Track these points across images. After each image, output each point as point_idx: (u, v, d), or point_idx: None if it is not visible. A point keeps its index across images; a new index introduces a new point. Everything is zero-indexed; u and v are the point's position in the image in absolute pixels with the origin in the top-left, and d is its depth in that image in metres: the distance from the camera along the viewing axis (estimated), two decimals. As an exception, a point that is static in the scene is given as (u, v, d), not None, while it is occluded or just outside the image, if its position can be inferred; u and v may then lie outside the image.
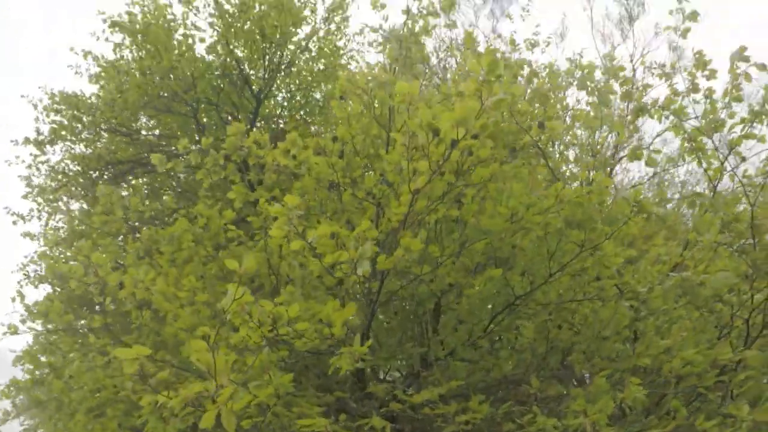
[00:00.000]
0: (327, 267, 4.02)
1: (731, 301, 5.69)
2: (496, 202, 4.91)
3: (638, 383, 4.36)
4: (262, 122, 10.91)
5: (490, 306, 6.20)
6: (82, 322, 7.08)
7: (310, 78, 10.39)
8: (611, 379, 4.74)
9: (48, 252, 9.86)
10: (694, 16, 6.04)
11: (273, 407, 3.80)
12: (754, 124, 5.77)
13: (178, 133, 10.57)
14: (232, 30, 9.70)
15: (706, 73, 6.04)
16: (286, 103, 10.70)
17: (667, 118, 5.93)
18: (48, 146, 10.43)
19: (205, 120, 10.44)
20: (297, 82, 10.63)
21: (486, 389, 6.09)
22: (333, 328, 3.90)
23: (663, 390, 5.03)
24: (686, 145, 5.57)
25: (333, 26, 10.43)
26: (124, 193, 10.11)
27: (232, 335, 3.59)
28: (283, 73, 10.39)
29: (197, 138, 10.35)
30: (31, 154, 10.63)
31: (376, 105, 5.37)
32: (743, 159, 5.90)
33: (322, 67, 10.52)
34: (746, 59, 5.33)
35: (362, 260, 3.88)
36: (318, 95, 10.91)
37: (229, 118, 10.66)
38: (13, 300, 7.09)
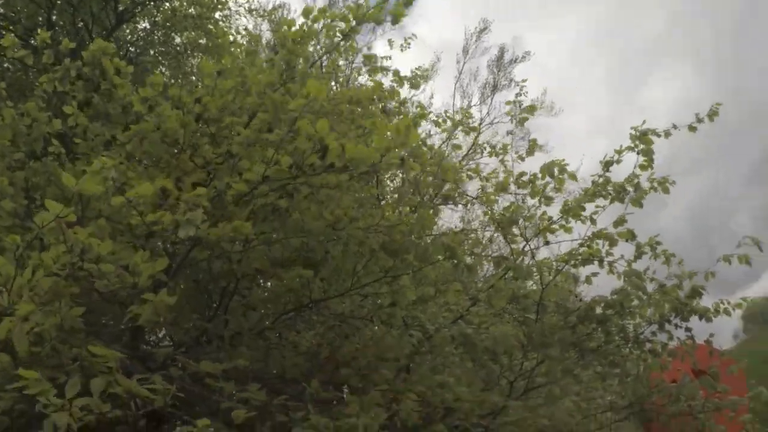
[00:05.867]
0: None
1: (501, 362, 6.41)
2: (323, 207, 5.08)
3: (413, 401, 4.81)
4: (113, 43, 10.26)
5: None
6: None
7: (176, 19, 9.91)
8: (385, 395, 5.09)
9: None
10: (531, 109, 6.77)
11: (51, 340, 3.64)
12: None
13: (22, 20, 9.61)
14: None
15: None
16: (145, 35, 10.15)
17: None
18: None
19: (55, 18, 9.61)
20: (163, 18, 10.13)
21: (263, 380, 6.18)
22: (138, 277, 3.84)
23: (432, 416, 5.52)
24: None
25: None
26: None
27: (35, 254, 3.40)
28: (153, 4, 9.87)
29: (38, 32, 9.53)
30: None
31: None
32: (546, 243, 6.63)
33: (193, 12, 10.07)
34: (558, 171, 5.99)
35: (189, 225, 3.88)
36: (178, 39, 10.49)
37: (81, 25, 9.95)
38: None
